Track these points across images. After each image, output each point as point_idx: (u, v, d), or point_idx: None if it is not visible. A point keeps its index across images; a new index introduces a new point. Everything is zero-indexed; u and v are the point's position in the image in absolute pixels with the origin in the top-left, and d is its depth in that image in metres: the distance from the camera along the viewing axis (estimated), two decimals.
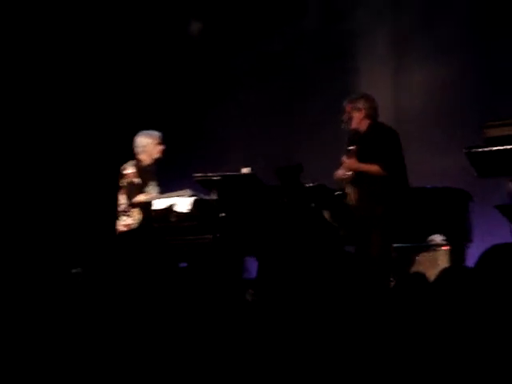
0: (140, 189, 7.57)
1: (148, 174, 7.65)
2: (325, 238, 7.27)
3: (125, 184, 7.56)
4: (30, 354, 3.04)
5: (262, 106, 9.82)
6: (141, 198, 7.53)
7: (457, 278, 3.25)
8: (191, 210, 7.33)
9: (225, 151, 9.53)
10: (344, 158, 6.98)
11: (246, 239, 7.42)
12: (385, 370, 2.90)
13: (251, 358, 2.98)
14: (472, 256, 7.42)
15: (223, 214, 7.37)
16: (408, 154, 7.07)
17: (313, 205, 7.43)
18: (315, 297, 3.28)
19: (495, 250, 3.25)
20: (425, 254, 7.59)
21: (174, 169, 8.62)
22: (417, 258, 7.58)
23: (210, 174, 7.49)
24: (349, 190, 6.99)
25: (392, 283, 6.56)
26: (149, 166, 7.65)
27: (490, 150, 6.28)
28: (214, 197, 7.44)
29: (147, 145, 7.61)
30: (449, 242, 7.59)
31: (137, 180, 7.57)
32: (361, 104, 6.99)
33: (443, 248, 7.57)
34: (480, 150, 6.48)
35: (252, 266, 7.49)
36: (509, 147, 6.19)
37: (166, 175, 7.88)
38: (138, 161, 7.62)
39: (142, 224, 7.44)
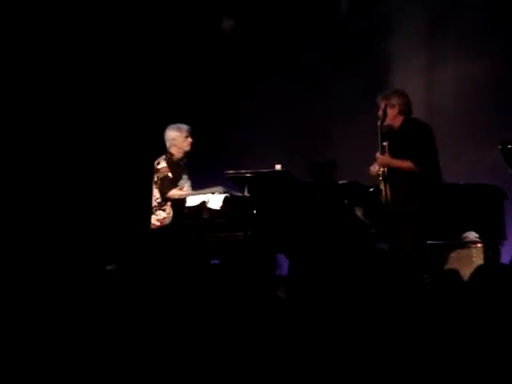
0: (173, 183, 7.59)
1: (180, 167, 7.66)
2: (355, 235, 7.24)
3: (158, 178, 7.58)
4: (66, 345, 3.05)
5: (295, 101, 9.80)
6: (175, 193, 7.55)
7: (492, 276, 3.22)
8: (223, 206, 7.33)
9: (255, 146, 9.50)
10: (377, 154, 6.95)
11: (278, 236, 7.41)
12: (419, 366, 2.88)
13: (285, 354, 2.97)
14: (506, 253, 7.37)
15: (255, 212, 7.36)
16: (441, 150, 7.03)
17: (346, 202, 7.40)
18: (346, 294, 3.26)
19: None
20: (459, 251, 7.55)
21: (206, 164, 8.62)
22: (451, 255, 7.53)
23: (243, 171, 7.48)
24: (382, 186, 6.95)
25: (427, 280, 6.52)
26: (180, 159, 7.66)
27: None
28: (246, 194, 7.44)
29: (176, 138, 7.62)
30: (482, 239, 7.53)
31: (170, 174, 7.59)
32: (394, 100, 6.96)
33: (477, 245, 7.52)
34: None
35: (284, 263, 7.47)
36: None
37: (197, 171, 7.88)
38: (170, 155, 7.64)
39: (175, 220, 7.45)
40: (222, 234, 7.32)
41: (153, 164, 7.68)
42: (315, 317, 3.13)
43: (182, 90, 9.87)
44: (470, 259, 7.42)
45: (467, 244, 7.59)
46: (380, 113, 6.95)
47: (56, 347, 3.06)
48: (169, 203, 7.52)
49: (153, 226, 7.47)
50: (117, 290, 3.26)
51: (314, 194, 7.42)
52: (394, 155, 6.90)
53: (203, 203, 7.36)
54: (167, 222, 7.46)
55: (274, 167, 7.51)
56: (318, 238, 7.19)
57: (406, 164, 6.82)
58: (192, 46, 9.98)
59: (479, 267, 3.36)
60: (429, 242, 7.09)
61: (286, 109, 9.80)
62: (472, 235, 7.62)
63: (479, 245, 7.53)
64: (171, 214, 7.49)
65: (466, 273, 3.48)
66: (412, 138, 6.87)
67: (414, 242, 6.73)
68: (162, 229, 7.40)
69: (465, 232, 7.63)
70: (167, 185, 7.54)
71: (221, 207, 7.34)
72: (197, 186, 7.66)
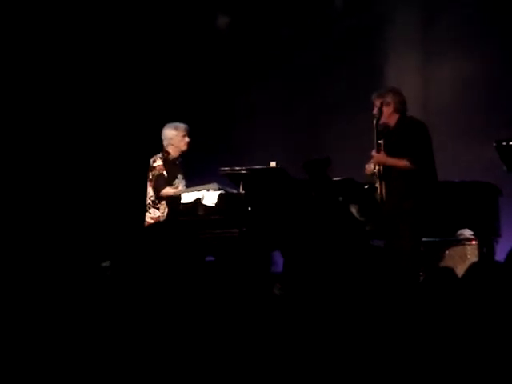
0: (168, 181, 7.59)
1: (175, 166, 7.66)
2: (349, 232, 7.25)
3: (154, 176, 7.58)
4: (57, 346, 3.04)
5: (291, 100, 9.79)
6: (169, 191, 7.55)
7: (487, 273, 3.22)
8: (218, 203, 7.33)
9: (252, 144, 9.51)
10: (373, 152, 6.95)
11: (273, 233, 7.41)
12: (414, 364, 2.89)
13: (280, 351, 2.97)
14: (501, 251, 7.38)
15: (250, 208, 7.36)
16: (436, 149, 7.03)
17: (340, 199, 7.41)
18: (341, 291, 3.26)
19: None
20: (454, 248, 7.56)
21: (201, 162, 8.62)
22: (446, 252, 7.54)
23: (238, 168, 7.48)
24: (378, 184, 6.96)
25: (421, 278, 6.53)
26: (176, 158, 7.66)
27: None
28: (241, 191, 7.44)
29: (173, 137, 7.62)
30: (477, 236, 7.54)
31: (165, 173, 7.58)
32: (389, 98, 6.96)
33: (472, 242, 7.53)
34: (510, 143, 6.44)
35: (280, 259, 7.48)
36: None
37: (192, 168, 7.88)
38: (166, 153, 7.63)
39: (169, 217, 7.45)
40: (217, 231, 7.32)
41: (148, 162, 7.67)
42: (310, 314, 3.13)
43: (179, 88, 9.87)
44: (464, 256, 7.43)
45: (462, 241, 7.61)
46: (376, 111, 6.95)
47: (49, 345, 3.06)
48: (163, 201, 7.52)
49: (146, 224, 7.47)
50: (111, 287, 3.26)
51: (309, 191, 7.42)
52: (389, 153, 6.90)
53: (198, 200, 7.36)
54: (161, 220, 7.47)
55: (269, 164, 7.51)
56: (312, 235, 7.19)
57: (402, 162, 6.82)
58: (189, 44, 9.97)
59: (474, 264, 3.36)
60: (424, 239, 7.10)
61: (282, 107, 9.80)
62: (467, 232, 7.63)
63: (474, 242, 7.54)
64: (165, 213, 7.50)
65: (460, 270, 3.49)
66: (407, 136, 6.88)
67: (409, 240, 6.74)
68: (156, 225, 7.41)
69: (459, 229, 7.64)
70: (162, 183, 7.54)
71: (216, 204, 7.34)
72: (192, 184, 7.66)
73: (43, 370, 3.00)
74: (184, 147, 7.63)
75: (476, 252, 7.45)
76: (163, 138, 7.65)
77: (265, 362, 2.96)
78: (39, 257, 8.30)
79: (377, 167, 6.94)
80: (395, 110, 6.97)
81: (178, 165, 7.68)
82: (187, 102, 9.72)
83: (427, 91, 9.47)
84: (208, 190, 7.39)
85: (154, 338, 3.02)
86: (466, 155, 8.95)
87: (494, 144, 6.87)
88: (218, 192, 7.36)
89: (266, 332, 3.07)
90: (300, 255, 7.17)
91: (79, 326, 3.12)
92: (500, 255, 7.28)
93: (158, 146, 7.69)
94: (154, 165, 7.60)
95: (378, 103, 6.97)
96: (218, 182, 7.49)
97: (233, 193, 7.46)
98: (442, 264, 7.38)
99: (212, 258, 7.28)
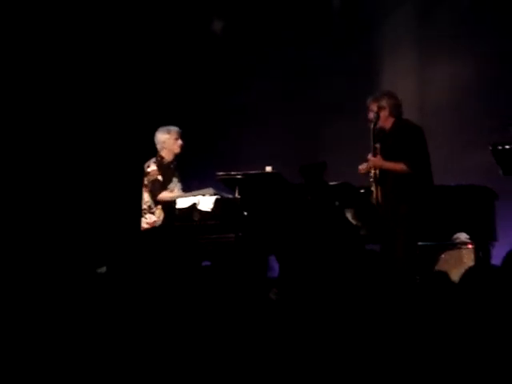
0: (163, 186, 7.58)
1: (170, 170, 7.66)
2: (345, 237, 7.25)
3: (149, 181, 7.57)
4: (53, 351, 3.04)
5: (287, 102, 9.79)
6: (166, 195, 7.54)
7: (483, 277, 3.22)
8: (214, 208, 7.33)
9: (247, 149, 9.50)
10: (369, 156, 6.96)
11: (269, 238, 7.40)
12: (410, 367, 2.89)
13: (276, 355, 2.97)
14: (497, 255, 7.37)
15: (246, 213, 7.36)
16: (432, 151, 7.03)
17: (337, 203, 7.41)
18: (337, 295, 3.26)
19: None
20: (450, 252, 7.55)
21: (196, 166, 8.62)
22: (442, 256, 7.54)
23: (233, 173, 7.48)
24: (373, 188, 6.96)
25: (417, 282, 6.52)
26: (170, 162, 7.66)
27: None
28: (236, 195, 7.43)
29: (166, 141, 7.62)
30: (473, 240, 7.54)
31: (160, 177, 7.58)
32: (384, 102, 6.96)
33: (468, 246, 7.53)
34: (506, 147, 6.44)
35: (276, 264, 7.47)
36: None
37: (187, 172, 7.88)
38: (160, 157, 7.63)
39: (165, 222, 7.44)
40: (213, 236, 7.32)
41: (143, 167, 7.67)
42: (307, 319, 3.12)
43: (173, 92, 9.86)
44: (460, 260, 7.43)
45: (458, 245, 7.60)
46: (371, 115, 6.95)
47: (46, 348, 3.05)
48: (159, 206, 7.52)
49: (142, 229, 7.47)
50: (107, 292, 3.25)
51: (305, 196, 7.42)
52: (385, 157, 6.90)
53: (194, 205, 7.36)
54: (157, 225, 7.47)
55: (264, 169, 7.51)
56: (308, 240, 7.19)
57: (399, 166, 6.82)
58: (183, 47, 9.97)
59: (470, 268, 3.36)
60: (420, 243, 7.10)
61: (278, 110, 9.80)
62: (463, 236, 7.63)
63: (470, 246, 7.54)
64: (161, 217, 7.50)
65: (456, 274, 3.48)
66: (403, 140, 6.88)
67: (405, 244, 6.74)
68: (152, 230, 7.41)
69: (455, 233, 7.64)
70: (158, 187, 7.54)
71: (211, 209, 7.33)
72: (187, 189, 7.66)
73: (43, 371, 3.00)
74: (177, 150, 7.64)
75: (472, 256, 7.44)
76: (156, 142, 7.65)
77: (261, 365, 2.96)
78: (35, 262, 8.29)
79: (373, 171, 6.94)
80: (390, 114, 6.97)
81: (172, 168, 7.69)
82: (182, 106, 9.72)
83: (422, 93, 9.48)
84: (204, 195, 7.39)
85: (151, 342, 3.01)
86: (462, 158, 8.95)
87: (490, 148, 6.87)
88: (214, 197, 7.36)
89: (262, 336, 3.06)
90: (296, 260, 7.17)
91: (75, 330, 3.12)
92: (496, 259, 7.28)
93: (153, 151, 7.69)
94: (149, 170, 7.60)
95: (373, 107, 6.97)
96: (214, 187, 7.49)
97: (228, 198, 7.46)
98: (438, 268, 7.37)
99: (208, 263, 7.28)
